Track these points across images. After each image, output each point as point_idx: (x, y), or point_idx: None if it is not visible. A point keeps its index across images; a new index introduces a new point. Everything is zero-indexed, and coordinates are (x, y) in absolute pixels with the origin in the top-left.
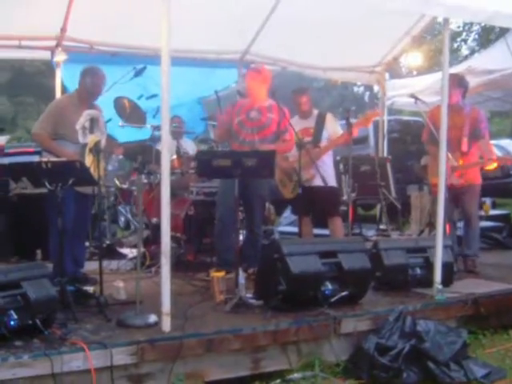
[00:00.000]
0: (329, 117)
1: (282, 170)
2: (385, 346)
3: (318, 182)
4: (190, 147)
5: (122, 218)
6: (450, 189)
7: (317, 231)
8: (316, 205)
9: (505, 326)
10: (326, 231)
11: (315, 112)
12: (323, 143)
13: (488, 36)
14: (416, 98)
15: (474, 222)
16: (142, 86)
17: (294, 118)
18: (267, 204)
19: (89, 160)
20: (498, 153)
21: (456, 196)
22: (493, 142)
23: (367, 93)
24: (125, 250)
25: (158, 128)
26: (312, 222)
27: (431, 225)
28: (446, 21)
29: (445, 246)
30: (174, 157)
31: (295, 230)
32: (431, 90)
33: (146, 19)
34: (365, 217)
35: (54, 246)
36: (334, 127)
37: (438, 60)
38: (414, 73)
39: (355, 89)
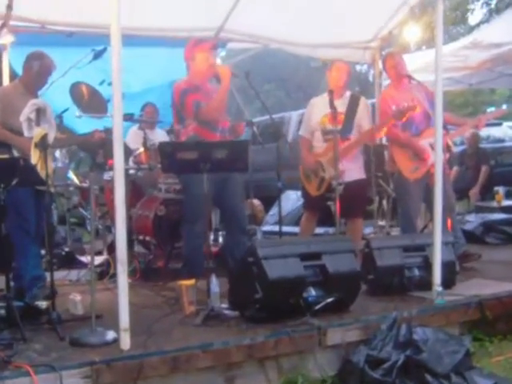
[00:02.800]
0: (363, 102)
1: (307, 164)
2: (377, 359)
3: (347, 178)
4: (162, 138)
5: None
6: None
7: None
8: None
9: None
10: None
11: (347, 93)
12: (353, 135)
13: (497, 6)
14: (410, 78)
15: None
16: (104, 70)
17: (320, 96)
18: (256, 201)
19: (35, 156)
20: None
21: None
22: (510, 123)
23: (371, 71)
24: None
25: (123, 117)
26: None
27: None
28: None
29: (445, 243)
30: (141, 150)
31: (285, 229)
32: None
33: None
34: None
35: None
36: (364, 116)
37: (443, 32)
38: (423, 47)
39: (358, 67)
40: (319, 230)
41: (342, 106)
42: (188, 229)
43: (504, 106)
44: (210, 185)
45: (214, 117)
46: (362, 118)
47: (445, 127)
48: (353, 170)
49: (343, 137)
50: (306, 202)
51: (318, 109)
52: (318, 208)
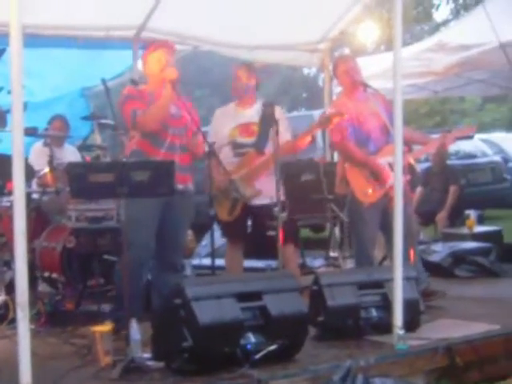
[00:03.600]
0: (278, 111)
1: (216, 184)
2: None
3: (265, 200)
4: (72, 156)
5: None
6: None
7: (249, 263)
8: (256, 227)
9: (490, 380)
10: (259, 263)
11: (259, 102)
12: (269, 149)
13: (465, 1)
14: (366, 85)
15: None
16: (2, 76)
17: (227, 105)
18: None
19: None
20: (488, 151)
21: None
22: (482, 136)
23: (321, 75)
24: None
25: (25, 131)
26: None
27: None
28: None
29: (407, 279)
30: (46, 170)
31: (218, 262)
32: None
33: None
34: (314, 241)
35: None
36: (281, 126)
37: (403, 32)
38: (382, 47)
39: (305, 70)
40: (259, 264)
41: (252, 116)
42: (135, 264)
43: (471, 122)
44: (155, 208)
45: (150, 126)
46: (281, 129)
47: (407, 144)
48: (272, 189)
49: (258, 151)
50: (222, 230)
51: (226, 121)
52: (238, 235)
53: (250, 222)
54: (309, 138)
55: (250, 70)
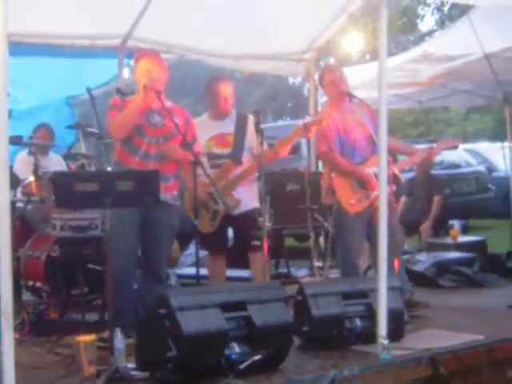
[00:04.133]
0: (251, 120)
1: (194, 196)
2: None
3: (245, 209)
4: (58, 165)
5: None
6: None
7: (231, 273)
8: (237, 237)
9: None
10: (243, 273)
11: (233, 112)
12: (247, 159)
13: (450, 12)
14: (350, 96)
15: None
16: None
17: (201, 116)
18: None
19: None
20: (472, 161)
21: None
22: (466, 146)
23: (307, 84)
24: None
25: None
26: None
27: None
28: None
29: (391, 288)
30: (31, 179)
31: (203, 272)
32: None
33: None
34: (299, 250)
35: None
36: (255, 136)
37: (388, 42)
38: (367, 57)
39: (291, 79)
40: (243, 274)
41: (228, 126)
42: (120, 273)
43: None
44: (133, 217)
45: (117, 136)
46: (253, 139)
47: (392, 155)
48: (249, 199)
49: (235, 161)
50: (203, 242)
51: (201, 132)
52: (218, 247)
53: (230, 232)
54: (288, 147)
55: (231, 84)
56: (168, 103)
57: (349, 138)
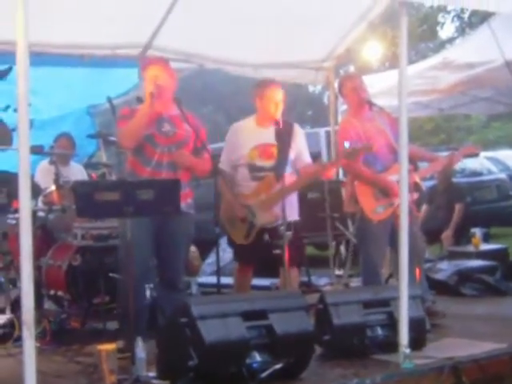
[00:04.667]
0: (296, 130)
1: (231, 207)
2: None
3: (279, 221)
4: (79, 174)
5: None
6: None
7: (254, 281)
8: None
9: None
10: (263, 281)
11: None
12: (289, 174)
13: (470, 19)
14: (370, 104)
15: None
16: (8, 94)
17: (247, 120)
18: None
19: None
20: (493, 168)
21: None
22: (488, 153)
23: (326, 93)
24: None
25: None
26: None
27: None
28: (403, 4)
29: (413, 297)
30: (52, 188)
31: (224, 280)
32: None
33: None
34: (320, 259)
35: None
36: (301, 148)
37: (408, 50)
38: (387, 64)
39: (310, 88)
40: (264, 283)
41: (273, 136)
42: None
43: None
44: (147, 228)
45: (126, 146)
46: (300, 151)
47: (413, 163)
48: (288, 212)
49: (277, 176)
50: (236, 253)
51: (245, 138)
52: (251, 259)
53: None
54: (335, 169)
55: (281, 90)
56: (176, 109)
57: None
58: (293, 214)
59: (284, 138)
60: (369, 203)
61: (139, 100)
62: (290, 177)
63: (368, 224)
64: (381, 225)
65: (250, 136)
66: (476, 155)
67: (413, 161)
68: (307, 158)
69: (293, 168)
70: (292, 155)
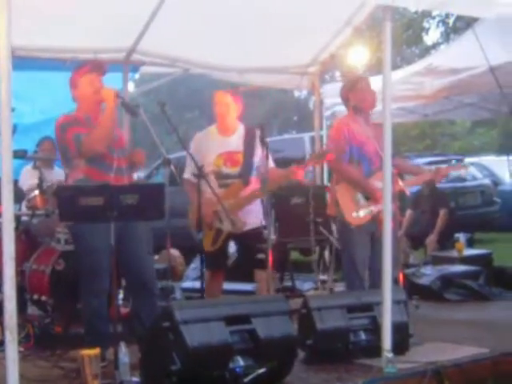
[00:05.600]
0: (258, 136)
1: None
2: None
3: (250, 226)
4: (61, 179)
5: None
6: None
7: (235, 287)
8: (242, 252)
9: None
10: (247, 286)
11: (241, 127)
12: (254, 177)
13: (455, 25)
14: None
15: None
16: None
17: (210, 128)
18: (175, 251)
19: None
20: (478, 174)
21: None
22: (472, 159)
23: (312, 98)
24: None
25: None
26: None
27: None
28: (387, 9)
29: (396, 302)
30: (36, 192)
31: None
32: (380, 95)
33: None
34: (304, 264)
35: None
36: (265, 153)
37: (393, 55)
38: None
39: (296, 93)
40: (247, 287)
41: (236, 143)
42: (85, 287)
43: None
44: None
45: (96, 149)
46: (261, 156)
47: (399, 174)
48: (256, 216)
49: (243, 182)
50: (206, 260)
51: (210, 147)
52: (219, 265)
53: (234, 247)
54: (303, 172)
55: (238, 96)
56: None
57: (362, 150)
58: (260, 218)
59: (248, 144)
60: (348, 206)
61: (123, 104)
62: (256, 182)
63: (348, 227)
64: (361, 229)
65: (214, 144)
66: (460, 161)
67: (400, 172)
68: (271, 163)
69: (258, 173)
70: (257, 160)
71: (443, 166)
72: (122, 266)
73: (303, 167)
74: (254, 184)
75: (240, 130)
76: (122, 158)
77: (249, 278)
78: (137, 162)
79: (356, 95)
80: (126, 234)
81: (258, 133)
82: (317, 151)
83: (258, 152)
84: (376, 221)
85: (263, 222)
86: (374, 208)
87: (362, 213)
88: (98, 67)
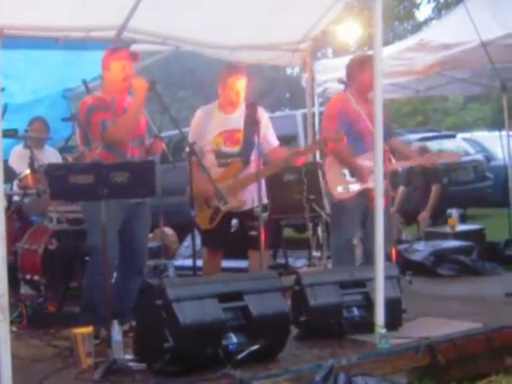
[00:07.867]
0: (260, 112)
1: (199, 190)
2: None
3: (249, 206)
4: (53, 158)
5: None
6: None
7: (229, 264)
8: (239, 234)
9: (471, 379)
10: (237, 263)
11: (243, 105)
12: (254, 157)
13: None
14: (346, 84)
15: None
16: None
17: (210, 105)
18: (168, 229)
19: None
20: (470, 150)
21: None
22: (465, 134)
23: (304, 75)
24: None
25: (5, 133)
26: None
27: None
28: None
29: (389, 278)
30: (27, 172)
31: (200, 263)
32: None
33: None
34: (298, 241)
35: None
36: (267, 131)
37: (385, 31)
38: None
39: (288, 70)
40: (241, 264)
41: (237, 121)
42: (91, 263)
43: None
44: (118, 211)
45: (122, 138)
46: (267, 134)
47: (392, 153)
48: (254, 194)
49: (243, 161)
50: (202, 238)
51: (210, 124)
52: (218, 244)
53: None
54: (304, 159)
55: (245, 78)
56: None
57: (355, 127)
58: (263, 197)
59: (249, 122)
60: (333, 180)
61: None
62: (256, 161)
63: (334, 201)
64: (349, 203)
65: (215, 122)
66: (453, 136)
67: (393, 151)
68: (273, 141)
69: (259, 152)
70: (258, 139)
71: (435, 152)
72: (120, 243)
73: (305, 153)
74: (254, 164)
75: (242, 107)
76: (136, 148)
77: (243, 256)
78: (154, 151)
79: (364, 76)
80: (135, 214)
81: (260, 109)
82: (318, 139)
83: (264, 129)
84: (367, 197)
85: (265, 201)
86: (360, 186)
87: (344, 188)
88: (134, 56)
